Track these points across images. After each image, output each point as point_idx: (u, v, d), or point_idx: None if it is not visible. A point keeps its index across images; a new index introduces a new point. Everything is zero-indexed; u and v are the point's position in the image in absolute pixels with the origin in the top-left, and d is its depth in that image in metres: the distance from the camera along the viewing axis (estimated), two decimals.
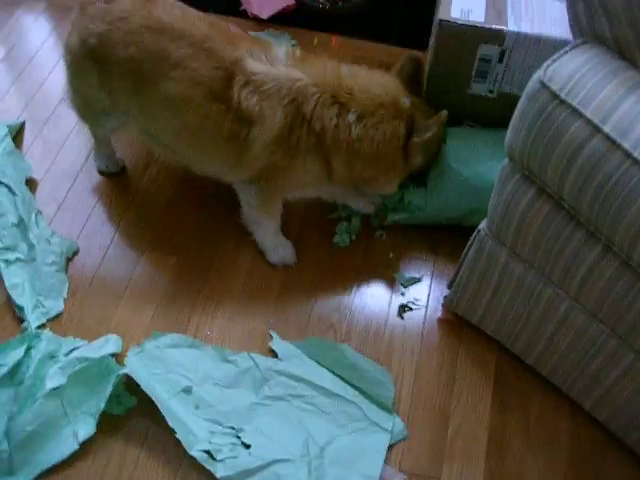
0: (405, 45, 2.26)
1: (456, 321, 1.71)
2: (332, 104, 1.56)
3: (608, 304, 1.34)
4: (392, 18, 2.41)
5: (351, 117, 1.57)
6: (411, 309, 1.73)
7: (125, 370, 1.55)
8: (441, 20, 1.59)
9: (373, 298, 1.76)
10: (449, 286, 1.73)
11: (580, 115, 1.18)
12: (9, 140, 1.96)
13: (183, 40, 1.56)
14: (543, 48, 1.59)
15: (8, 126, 1.99)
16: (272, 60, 1.57)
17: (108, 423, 1.52)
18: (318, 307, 1.74)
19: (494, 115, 1.76)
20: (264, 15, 2.28)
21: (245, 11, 2.35)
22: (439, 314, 1.73)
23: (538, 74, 1.24)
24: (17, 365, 1.57)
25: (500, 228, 1.45)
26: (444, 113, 1.62)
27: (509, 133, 1.33)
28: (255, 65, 1.55)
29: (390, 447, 1.52)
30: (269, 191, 1.69)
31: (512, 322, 1.57)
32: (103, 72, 1.64)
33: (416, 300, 1.75)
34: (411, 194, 1.79)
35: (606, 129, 1.16)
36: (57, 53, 2.27)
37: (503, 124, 1.70)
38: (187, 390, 1.57)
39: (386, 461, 1.49)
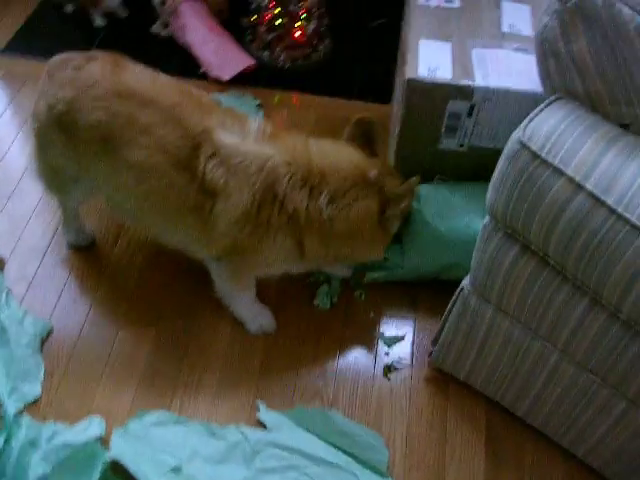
0: (367, 99, 2.31)
1: (442, 378, 1.70)
2: (303, 186, 1.54)
3: (598, 355, 1.35)
4: (352, 74, 2.45)
5: (323, 200, 1.55)
6: (397, 368, 1.72)
7: (111, 454, 1.49)
8: (409, 79, 1.62)
9: (357, 360, 1.74)
10: (433, 342, 1.72)
11: (562, 174, 1.21)
12: None
13: (152, 107, 1.54)
14: (511, 100, 1.63)
15: None
16: (243, 134, 1.55)
17: None
18: (303, 374, 1.72)
19: (465, 168, 1.80)
20: (225, 77, 2.29)
21: (205, 73, 2.36)
22: (425, 372, 1.72)
23: (517, 134, 1.26)
24: None
25: (485, 285, 1.46)
26: (414, 180, 1.61)
27: (490, 193, 1.35)
28: (225, 137, 1.53)
29: None
30: (239, 268, 1.67)
31: (500, 377, 1.58)
32: (71, 138, 1.62)
33: (401, 359, 1.74)
34: (388, 252, 1.80)
35: (589, 186, 1.18)
36: (15, 126, 2.23)
37: (475, 177, 1.77)
38: (176, 470, 1.52)
39: None
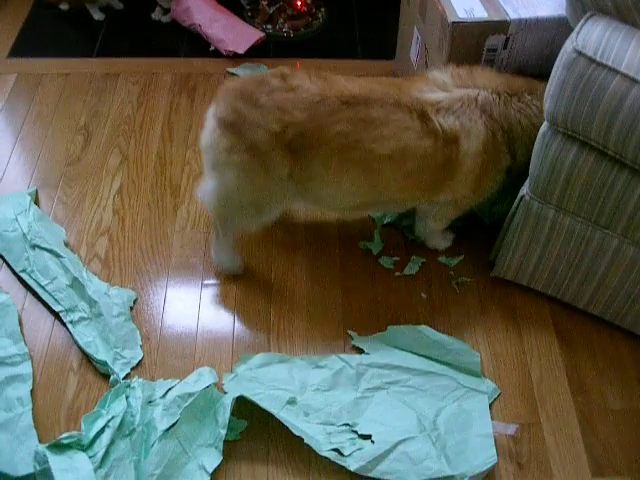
0: (372, 57, 2.46)
1: (506, 286, 1.88)
2: (509, 102, 1.70)
3: None
4: (353, 36, 2.60)
5: (531, 100, 1.71)
6: (464, 283, 1.90)
7: (233, 395, 1.59)
8: (453, 22, 1.77)
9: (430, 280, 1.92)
10: (491, 255, 1.90)
11: (617, 72, 1.39)
12: (35, 207, 1.96)
13: (372, 103, 1.63)
14: (541, 28, 1.81)
15: (29, 194, 1.98)
16: (443, 87, 1.70)
17: (227, 450, 1.55)
18: (381, 302, 1.85)
19: None
20: (241, 50, 2.41)
21: (215, 51, 2.47)
22: (489, 283, 1.89)
23: (571, 44, 1.44)
24: (122, 416, 1.58)
25: (546, 189, 1.63)
26: None
27: (548, 103, 1.52)
28: (435, 95, 1.67)
29: (490, 406, 1.65)
30: (450, 211, 1.86)
31: (562, 273, 1.76)
32: (300, 157, 1.65)
33: (464, 274, 1.92)
34: None
35: None
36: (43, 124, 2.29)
37: None
38: (292, 401, 1.63)
39: (492, 418, 1.62)
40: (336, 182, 1.70)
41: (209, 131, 1.68)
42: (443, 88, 1.70)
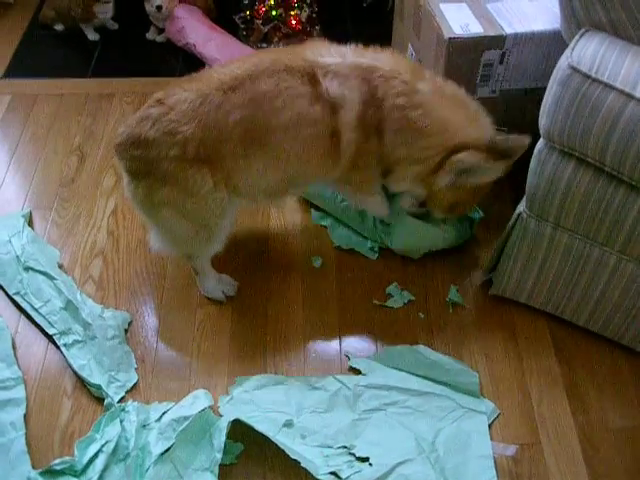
0: None
1: (504, 304, 1.86)
2: (398, 88, 1.62)
3: None
4: (346, 34, 2.58)
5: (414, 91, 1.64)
6: (461, 304, 1.87)
7: (229, 418, 1.57)
8: (450, 38, 1.77)
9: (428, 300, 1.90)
10: (485, 273, 1.89)
11: (612, 88, 1.38)
12: (29, 229, 1.95)
13: (262, 76, 1.59)
14: (535, 42, 1.80)
15: (23, 216, 1.97)
16: (343, 54, 1.64)
17: (223, 473, 1.53)
18: (377, 319, 1.84)
19: (498, 113, 1.91)
20: None
21: None
22: (487, 301, 1.87)
23: (566, 61, 1.43)
24: (117, 440, 1.56)
25: (543, 206, 1.62)
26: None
27: (543, 119, 1.51)
28: (329, 59, 1.62)
29: (489, 426, 1.62)
30: (360, 185, 1.78)
31: (561, 290, 1.74)
32: (213, 162, 1.61)
33: (461, 295, 1.90)
34: None
35: (638, 94, 1.36)
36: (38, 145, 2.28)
37: (507, 121, 1.94)
38: (288, 424, 1.61)
39: (491, 438, 1.60)
40: (253, 169, 1.66)
41: (126, 186, 1.69)
42: (341, 55, 1.65)
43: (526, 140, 1.62)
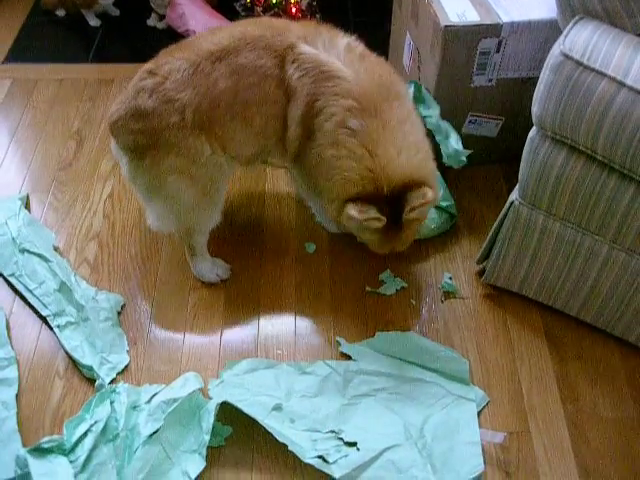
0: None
1: (497, 293, 1.86)
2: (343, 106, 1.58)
3: None
4: (346, 22, 2.60)
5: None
6: (454, 293, 1.87)
7: (218, 401, 1.58)
8: (446, 26, 1.76)
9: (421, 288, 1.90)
10: (479, 262, 1.88)
11: (604, 75, 1.38)
12: (25, 212, 1.96)
13: (244, 50, 1.60)
14: (533, 31, 1.80)
15: (20, 199, 1.98)
16: (328, 48, 1.61)
17: (212, 455, 1.54)
18: (370, 305, 1.84)
19: (494, 101, 1.96)
20: None
21: None
22: (480, 290, 1.87)
23: (558, 48, 1.43)
24: (106, 421, 1.57)
25: (535, 194, 1.62)
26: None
27: (535, 107, 1.51)
28: (305, 48, 1.60)
29: (478, 414, 1.63)
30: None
31: (553, 280, 1.74)
32: (209, 132, 1.63)
33: (455, 285, 1.89)
34: None
35: (629, 82, 1.36)
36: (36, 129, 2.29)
37: (503, 111, 1.94)
38: (277, 408, 1.62)
39: (480, 426, 1.60)
40: (237, 137, 1.67)
41: (127, 166, 1.68)
42: (322, 46, 1.61)
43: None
